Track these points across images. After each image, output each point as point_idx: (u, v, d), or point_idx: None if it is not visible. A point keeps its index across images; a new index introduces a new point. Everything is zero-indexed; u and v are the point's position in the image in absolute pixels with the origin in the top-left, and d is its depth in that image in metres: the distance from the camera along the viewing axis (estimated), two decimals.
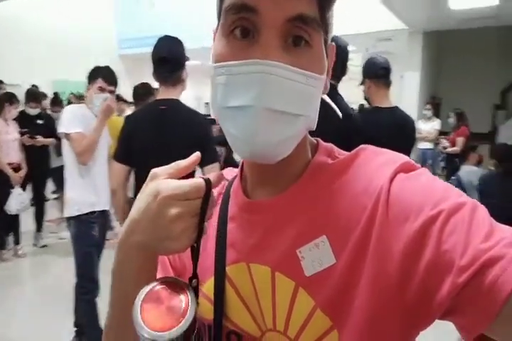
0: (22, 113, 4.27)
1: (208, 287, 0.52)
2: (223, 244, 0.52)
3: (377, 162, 0.46)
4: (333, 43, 0.48)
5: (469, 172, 4.03)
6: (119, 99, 4.12)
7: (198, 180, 0.42)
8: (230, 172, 0.59)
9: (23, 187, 4.07)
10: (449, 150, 5.85)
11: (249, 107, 0.41)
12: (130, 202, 1.88)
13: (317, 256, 0.44)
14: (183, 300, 0.42)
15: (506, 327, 0.35)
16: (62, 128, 2.21)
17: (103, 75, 2.27)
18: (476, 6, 5.48)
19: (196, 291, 0.44)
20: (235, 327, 0.50)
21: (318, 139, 0.53)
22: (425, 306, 0.38)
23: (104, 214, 2.40)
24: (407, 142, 2.29)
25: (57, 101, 5.52)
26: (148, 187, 0.43)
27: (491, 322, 0.35)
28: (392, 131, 2.08)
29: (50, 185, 4.85)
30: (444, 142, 6.18)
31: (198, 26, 8.63)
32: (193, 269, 0.46)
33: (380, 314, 0.41)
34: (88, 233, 2.28)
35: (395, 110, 2.25)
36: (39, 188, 4.46)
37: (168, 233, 0.41)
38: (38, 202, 4.43)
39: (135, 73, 9.32)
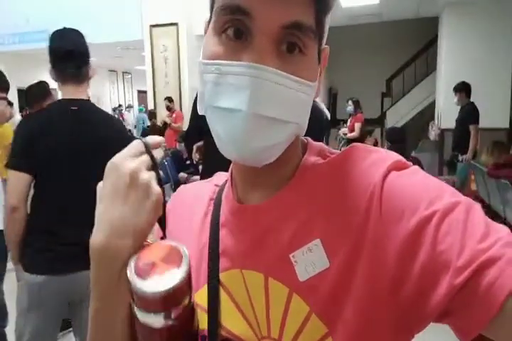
0: None
1: (201, 295, 0.50)
2: (216, 251, 0.50)
3: (368, 160, 0.45)
4: (327, 47, 0.47)
5: None
6: (9, 103, 3.65)
7: (132, 143, 0.45)
8: (221, 177, 0.58)
9: None
10: (349, 135, 6.35)
11: (239, 111, 0.40)
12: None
13: (310, 260, 0.43)
14: (175, 257, 0.41)
15: (504, 328, 0.35)
16: None
17: None
18: (362, 3, 6.03)
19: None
20: (231, 334, 0.48)
21: (308, 138, 0.52)
22: (421, 308, 0.38)
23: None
24: (322, 129, 2.48)
25: None
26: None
27: (488, 323, 0.34)
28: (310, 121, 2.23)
29: None
30: (344, 129, 6.70)
31: (89, 20, 8.11)
32: (162, 227, 0.45)
33: (374, 316, 0.40)
34: None
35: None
36: None
37: (139, 186, 0.41)
38: None
39: (17, 72, 8.44)
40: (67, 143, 1.53)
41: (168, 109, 6.40)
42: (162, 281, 0.38)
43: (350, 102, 6.43)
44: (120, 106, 12.31)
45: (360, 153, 0.46)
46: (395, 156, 0.45)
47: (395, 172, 0.43)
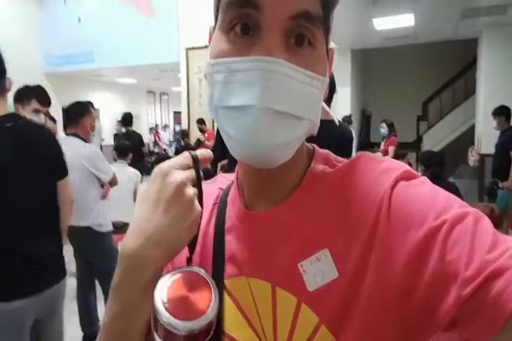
0: None
1: None
2: (221, 257, 0.49)
3: (377, 170, 0.45)
4: (333, 47, 0.47)
5: None
6: (52, 119, 3.83)
7: (182, 154, 0.45)
8: (223, 180, 0.57)
9: None
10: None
11: (250, 107, 0.38)
12: None
13: (319, 270, 0.43)
14: (206, 292, 0.41)
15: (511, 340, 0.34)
16: None
17: (37, 96, 2.18)
18: (397, 26, 5.99)
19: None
20: None
21: (314, 145, 0.52)
22: (428, 318, 0.37)
23: None
24: (346, 149, 2.39)
25: None
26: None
27: (496, 334, 0.34)
28: (333, 141, 2.17)
29: None
30: (378, 153, 6.54)
31: (130, 44, 8.51)
32: (190, 249, 0.45)
33: (382, 326, 0.39)
34: None
35: (333, 122, 2.33)
36: None
37: (182, 200, 0.41)
38: None
39: (62, 92, 8.91)
40: (10, 161, 1.43)
41: (201, 130, 6.52)
42: (193, 322, 0.39)
43: (384, 124, 6.29)
44: (157, 126, 12.69)
45: (368, 163, 0.46)
46: (403, 166, 0.45)
47: (404, 182, 0.43)
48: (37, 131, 1.59)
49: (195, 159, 0.44)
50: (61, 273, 1.60)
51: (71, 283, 2.32)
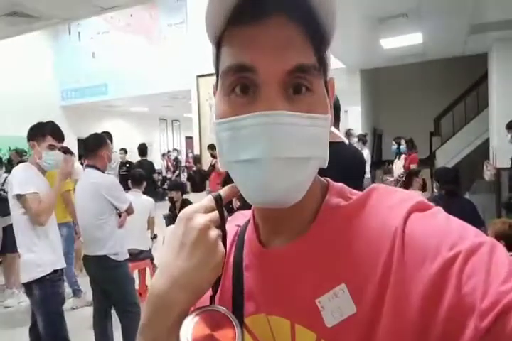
0: None
1: None
2: (240, 295, 0.50)
3: (390, 202, 0.45)
4: (333, 77, 0.48)
5: None
6: (68, 151, 3.89)
7: (206, 198, 0.48)
8: (241, 217, 0.58)
9: None
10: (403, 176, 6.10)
11: (259, 160, 0.41)
12: None
13: (337, 305, 0.43)
14: (229, 331, 0.43)
15: None
16: (16, 189, 2.15)
17: (51, 132, 2.29)
18: (404, 44, 6.03)
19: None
20: None
21: (328, 179, 0.52)
22: None
23: (62, 271, 2.34)
24: (358, 171, 2.36)
25: None
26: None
27: None
28: (343, 163, 2.14)
29: None
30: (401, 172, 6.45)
31: (141, 74, 8.74)
32: (214, 288, 0.47)
33: None
34: (55, 292, 2.22)
35: (342, 144, 2.32)
36: None
37: (206, 243, 0.44)
38: None
39: (77, 123, 9.13)
40: None
41: (212, 156, 6.54)
42: None
43: (401, 141, 6.25)
44: (169, 151, 12.84)
45: (382, 195, 0.47)
46: (417, 197, 0.45)
47: (417, 214, 0.43)
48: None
49: (217, 201, 0.47)
50: None
51: (87, 311, 2.31)
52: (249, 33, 0.41)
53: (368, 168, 6.64)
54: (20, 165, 2.37)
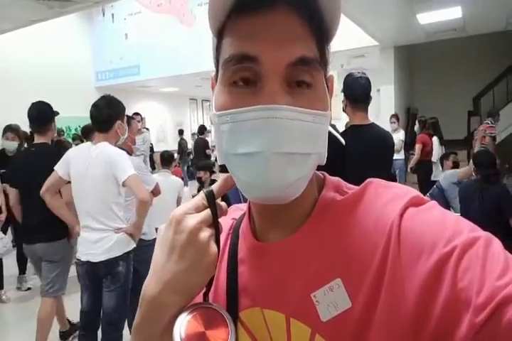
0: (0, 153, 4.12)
1: None
2: (235, 289, 0.50)
3: (386, 196, 0.45)
4: (332, 73, 0.48)
5: (445, 176, 4.15)
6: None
7: (199, 194, 0.47)
8: (236, 211, 0.58)
9: (4, 230, 3.89)
10: (412, 160, 5.96)
11: (259, 153, 0.40)
12: None
13: (332, 300, 0.43)
14: (222, 328, 0.43)
15: None
16: (129, 170, 2.12)
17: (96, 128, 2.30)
18: (443, 19, 5.72)
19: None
20: None
21: (325, 173, 0.52)
22: None
23: None
24: (387, 155, 2.35)
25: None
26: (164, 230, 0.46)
27: None
28: (371, 146, 2.12)
29: None
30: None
31: (173, 54, 8.78)
32: (207, 286, 0.46)
33: None
34: (131, 268, 2.28)
35: (371, 126, 2.28)
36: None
37: (196, 245, 0.43)
38: (21, 244, 4.24)
39: None
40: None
41: None
42: None
43: (416, 122, 6.07)
44: (204, 131, 13.08)
45: (377, 190, 0.47)
46: (412, 192, 0.45)
47: (413, 209, 0.43)
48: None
49: (208, 198, 0.46)
50: None
51: None
52: (252, 23, 0.40)
53: (401, 150, 6.49)
54: (114, 147, 2.23)
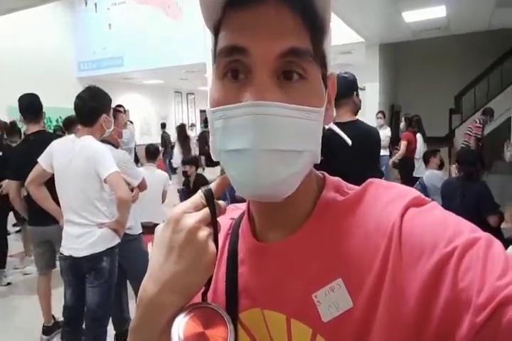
0: None
1: None
2: (234, 290, 0.50)
3: (387, 197, 0.45)
4: (334, 74, 0.47)
5: (431, 175, 4.21)
6: None
7: (197, 193, 0.46)
8: (235, 210, 0.58)
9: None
10: (396, 154, 6.07)
11: (247, 150, 0.40)
12: None
13: (333, 300, 0.42)
14: (221, 328, 0.43)
15: None
16: (112, 167, 2.08)
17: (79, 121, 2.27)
18: (427, 17, 5.79)
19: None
20: None
21: (325, 173, 0.52)
22: None
23: None
24: (372, 151, 2.36)
25: (14, 131, 4.77)
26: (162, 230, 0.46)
27: None
28: (355, 142, 2.12)
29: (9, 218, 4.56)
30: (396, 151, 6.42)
31: (157, 46, 8.64)
32: (205, 286, 0.46)
33: None
34: (115, 263, 2.24)
35: (356, 123, 2.29)
36: (0, 222, 4.18)
37: (195, 245, 0.42)
38: (0, 238, 4.14)
39: None
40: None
41: None
42: None
43: (402, 119, 6.16)
44: (193, 125, 13.01)
45: (378, 190, 0.46)
46: (413, 192, 0.45)
47: (414, 209, 0.43)
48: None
49: (207, 196, 0.45)
50: None
51: None
52: (244, 16, 0.40)
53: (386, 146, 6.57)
54: (101, 143, 2.19)
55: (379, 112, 6.71)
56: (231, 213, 0.57)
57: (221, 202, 0.47)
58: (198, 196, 0.46)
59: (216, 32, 0.44)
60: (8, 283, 4.03)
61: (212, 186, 0.47)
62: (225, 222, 0.55)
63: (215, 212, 0.45)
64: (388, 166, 6.49)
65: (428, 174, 4.30)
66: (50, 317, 2.96)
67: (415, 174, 5.64)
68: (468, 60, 9.37)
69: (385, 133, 6.47)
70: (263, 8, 0.40)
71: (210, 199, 0.45)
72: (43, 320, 2.90)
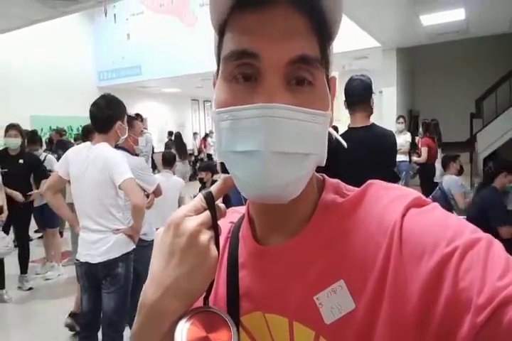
0: (1, 152, 4.11)
1: None
2: (235, 294, 0.49)
3: (387, 198, 0.45)
4: (335, 75, 0.47)
5: (449, 181, 4.14)
6: None
7: (197, 196, 0.46)
8: (234, 214, 0.57)
9: (6, 230, 3.87)
10: (415, 159, 6.04)
11: (257, 152, 0.40)
12: None
13: (335, 302, 0.42)
14: (224, 332, 0.42)
15: None
16: (126, 174, 2.07)
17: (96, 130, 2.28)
18: (446, 21, 5.71)
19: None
20: None
21: (324, 175, 0.52)
22: None
23: None
24: (388, 154, 2.33)
25: (35, 139, 4.82)
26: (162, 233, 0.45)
27: None
28: (369, 147, 2.10)
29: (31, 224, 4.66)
30: (415, 158, 6.33)
31: (174, 55, 8.78)
32: (207, 290, 0.45)
33: None
34: (131, 269, 2.24)
35: (370, 127, 2.27)
36: (22, 229, 4.26)
37: (197, 248, 0.42)
38: (22, 243, 4.23)
39: None
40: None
41: None
42: None
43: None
44: (195, 133, 13.34)
45: (379, 191, 0.46)
46: (414, 193, 0.45)
47: (414, 210, 0.43)
48: None
49: (207, 199, 0.45)
50: None
51: None
52: (254, 20, 0.40)
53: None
54: (115, 150, 2.19)
55: (400, 117, 6.63)
56: (230, 216, 0.56)
57: (221, 205, 0.47)
58: (199, 199, 0.46)
59: (221, 32, 0.44)
60: (30, 288, 4.11)
61: (213, 189, 0.47)
62: (224, 225, 0.54)
63: (215, 215, 0.45)
64: (408, 173, 6.38)
65: (446, 179, 4.24)
66: (78, 303, 2.89)
67: (435, 179, 5.55)
68: (489, 63, 9.18)
69: (405, 139, 6.39)
70: (272, 11, 0.40)
71: (210, 202, 0.45)
72: (62, 326, 2.93)
